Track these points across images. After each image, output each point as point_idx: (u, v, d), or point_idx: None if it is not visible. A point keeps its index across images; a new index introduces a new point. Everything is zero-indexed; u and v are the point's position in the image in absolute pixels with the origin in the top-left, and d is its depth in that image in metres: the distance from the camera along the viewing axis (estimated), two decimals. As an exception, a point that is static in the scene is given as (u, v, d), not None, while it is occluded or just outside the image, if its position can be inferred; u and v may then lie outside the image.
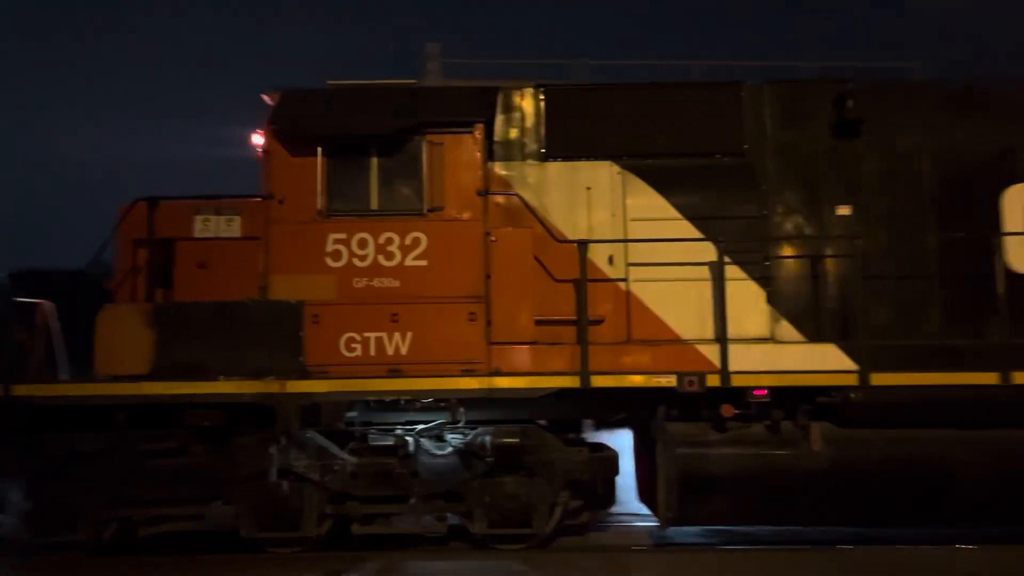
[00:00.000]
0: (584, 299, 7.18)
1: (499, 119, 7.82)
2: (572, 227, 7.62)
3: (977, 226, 7.01)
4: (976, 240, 6.92)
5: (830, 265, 7.38)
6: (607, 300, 7.47)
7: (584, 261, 7.18)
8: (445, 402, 7.22)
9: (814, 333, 7.32)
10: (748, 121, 7.65)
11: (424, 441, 7.42)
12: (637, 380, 7.06)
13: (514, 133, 7.87)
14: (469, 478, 7.34)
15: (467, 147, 7.46)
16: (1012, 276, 6.91)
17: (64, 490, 7.18)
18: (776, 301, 7.37)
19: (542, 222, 7.47)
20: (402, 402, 7.30)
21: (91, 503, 7.21)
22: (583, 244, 7.24)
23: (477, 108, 7.52)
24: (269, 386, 7.08)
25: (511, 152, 7.85)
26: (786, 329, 7.37)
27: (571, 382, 7.05)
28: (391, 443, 7.37)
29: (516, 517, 7.33)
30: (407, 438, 7.39)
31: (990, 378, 6.64)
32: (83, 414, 7.14)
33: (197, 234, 7.50)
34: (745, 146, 7.62)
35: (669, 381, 6.98)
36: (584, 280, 7.16)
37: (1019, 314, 6.76)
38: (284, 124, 7.35)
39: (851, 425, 6.92)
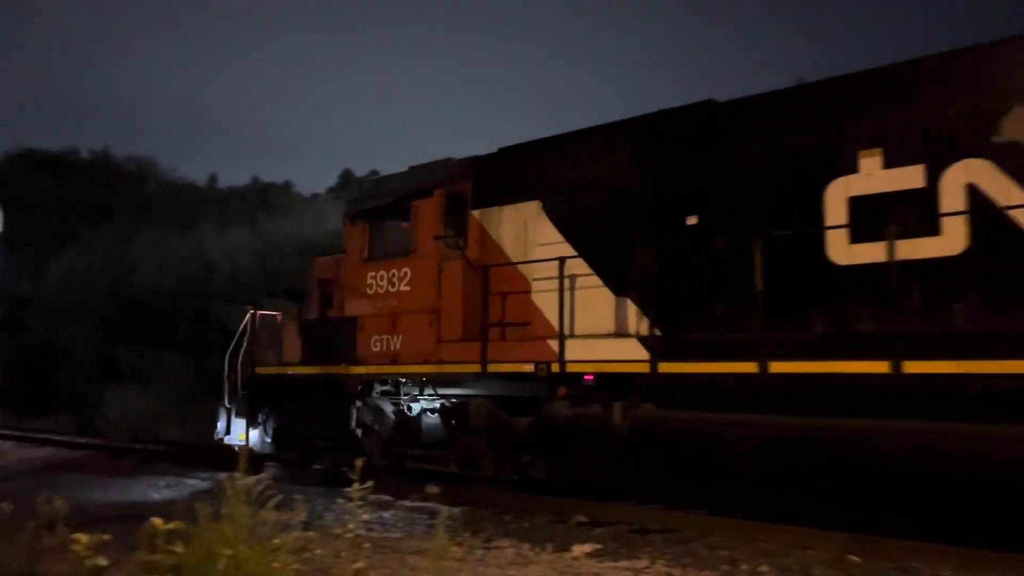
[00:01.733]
0: (486, 309, 9.70)
1: (468, 180, 10.41)
2: (519, 254, 9.71)
3: (806, 223, 7.40)
4: (797, 237, 7.40)
5: (667, 270, 8.32)
6: (524, 306, 9.52)
7: (487, 281, 9.75)
8: (425, 378, 10.29)
9: (634, 329, 8.56)
10: (624, 156, 8.95)
11: (425, 407, 10.51)
12: (509, 367, 9.31)
13: (481, 186, 10.29)
14: (446, 434, 10.19)
15: (430, 207, 10.59)
16: (832, 268, 7.24)
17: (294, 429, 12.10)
18: (623, 304, 8.69)
19: (462, 259, 10.24)
20: (401, 380, 10.65)
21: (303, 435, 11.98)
22: (485, 269, 9.80)
23: (433, 182, 10.68)
24: (341, 369, 11.13)
25: (483, 200, 10.20)
26: (632, 326, 8.61)
27: (476, 368, 9.54)
28: (407, 407, 10.67)
29: (473, 462, 9.88)
30: (412, 405, 10.63)
31: (750, 367, 7.32)
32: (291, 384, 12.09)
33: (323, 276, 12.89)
34: (621, 176, 8.89)
35: (529, 368, 9.11)
36: (486, 295, 9.73)
37: (837, 306, 7.22)
38: (346, 207, 12.47)
39: (652, 403, 8.35)
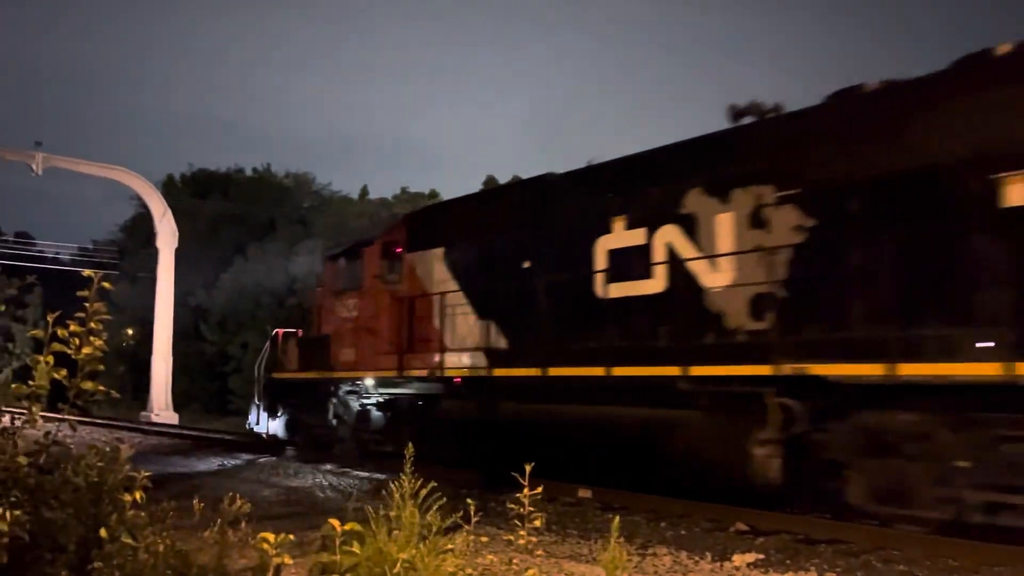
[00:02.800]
0: (408, 329, 12.72)
1: (403, 231, 13.45)
2: (431, 288, 12.43)
3: (584, 268, 10.05)
4: (574, 278, 10.20)
5: (506, 301, 11.18)
6: (430, 328, 12.34)
7: (411, 308, 12.73)
8: (373, 380, 13.51)
9: (484, 344, 11.34)
10: (488, 216, 12.10)
11: (374, 402, 13.64)
12: (414, 373, 12.46)
13: (412, 235, 13.15)
14: (385, 422, 13.37)
15: (373, 252, 13.67)
16: (603, 300, 9.86)
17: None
18: (483, 326, 11.43)
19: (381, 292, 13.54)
20: (358, 382, 13.80)
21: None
22: (408, 299, 12.78)
23: (376, 234, 14.22)
24: (320, 374, 14.49)
25: (413, 246, 12.99)
26: (493, 341, 11.30)
27: (394, 373, 12.76)
28: (360, 403, 13.93)
29: (403, 443, 12.53)
30: (365, 401, 13.81)
31: (536, 372, 10.37)
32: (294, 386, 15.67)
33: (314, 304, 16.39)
34: (485, 231, 11.82)
35: (424, 373, 12.26)
36: (410, 319, 12.74)
37: (600, 328, 9.82)
38: (323, 252, 16.72)
39: (484, 396, 11.26)
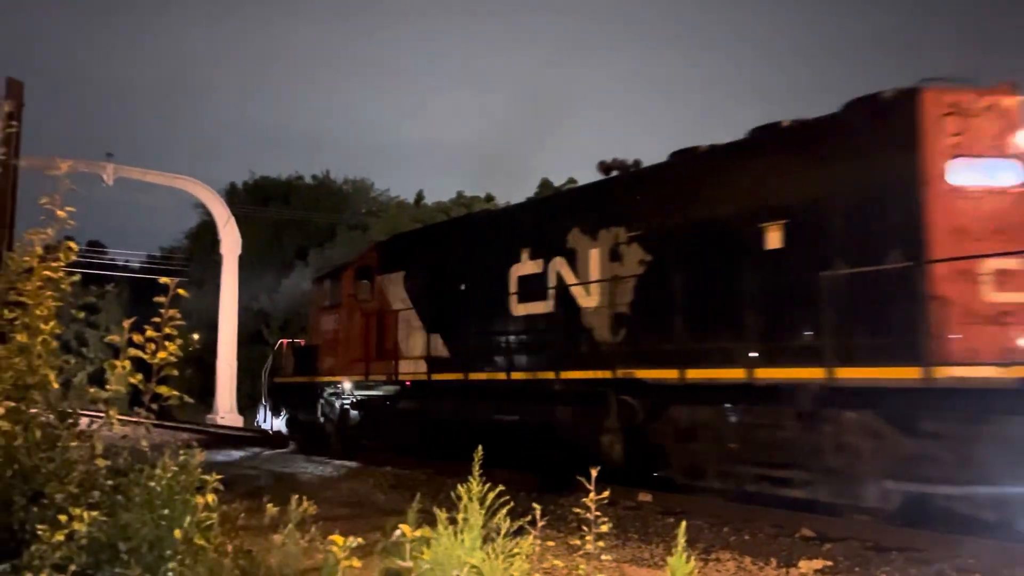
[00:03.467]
0: (377, 340, 14.92)
1: (375, 255, 16.02)
2: (395, 305, 14.69)
3: (501, 291, 12.24)
4: (494, 298, 12.36)
5: (445, 317, 13.46)
6: (391, 339, 14.54)
7: (380, 322, 15.02)
8: (349, 383, 15.95)
9: (426, 353, 13.71)
10: (434, 246, 14.78)
11: (353, 401, 16.02)
12: (377, 378, 14.89)
13: (382, 259, 15.57)
14: (360, 419, 15.81)
15: (349, 275, 16.22)
16: (514, 317, 12.10)
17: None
18: (428, 338, 13.60)
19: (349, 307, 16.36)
20: (338, 384, 16.19)
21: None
22: (376, 315, 15.10)
23: (351, 259, 17.11)
24: (312, 379, 16.88)
25: (383, 269, 15.26)
26: (434, 351, 13.49)
27: (362, 378, 15.19)
28: (341, 403, 16.33)
29: (374, 436, 15.61)
30: (345, 401, 16.21)
31: (459, 376, 12.69)
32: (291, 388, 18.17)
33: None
34: (431, 259, 14.28)
35: (383, 378, 14.71)
36: (379, 331, 14.97)
37: (508, 338, 12.21)
38: (312, 274, 22.36)
39: (427, 397, 13.78)
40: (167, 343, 3.56)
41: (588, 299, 10.87)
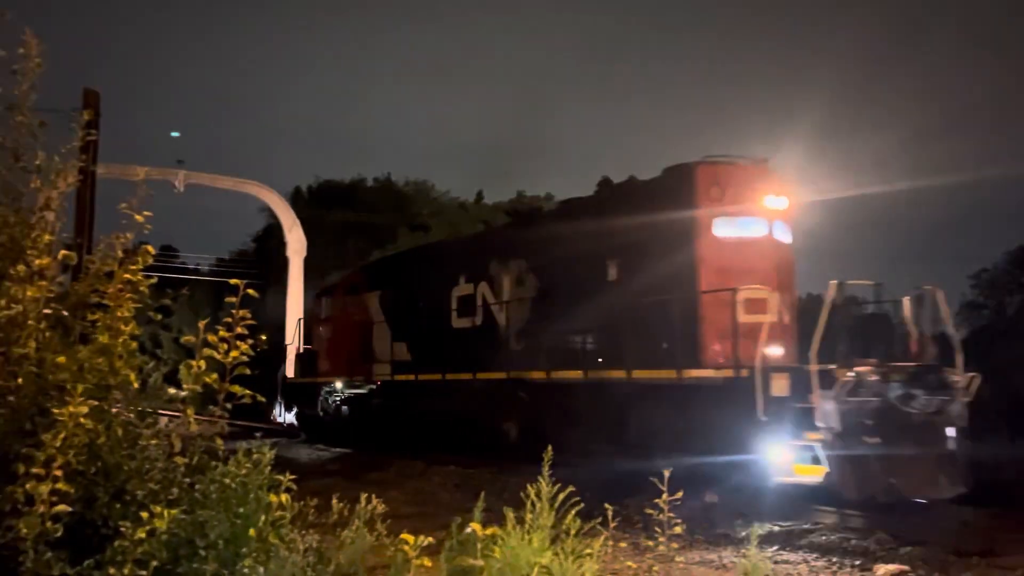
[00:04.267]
0: (356, 346, 17.79)
1: (361, 276, 19.39)
2: (375, 318, 17.71)
3: (445, 309, 15.29)
4: (440, 314, 15.38)
5: (406, 330, 16.65)
6: (369, 346, 17.52)
7: (365, 332, 17.80)
8: (339, 383, 18.99)
9: (396, 359, 16.82)
10: (401, 273, 17.68)
11: (341, 399, 18.89)
12: (359, 379, 17.84)
13: (368, 278, 18.74)
14: (349, 413, 18.51)
15: (339, 291, 19.44)
16: (453, 330, 15.07)
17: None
18: (395, 346, 16.74)
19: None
20: (332, 385, 19.10)
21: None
22: (361, 325, 18.04)
23: (341, 278, 20.88)
24: (313, 380, 19.76)
25: (368, 287, 18.33)
26: (397, 356, 16.68)
27: (349, 379, 18.33)
28: (334, 400, 19.17)
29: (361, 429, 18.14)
30: (338, 397, 18.84)
31: (411, 377, 16.05)
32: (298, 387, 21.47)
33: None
34: (396, 282, 17.42)
35: (361, 379, 17.73)
36: (364, 339, 17.68)
37: (448, 347, 14.98)
38: (314, 293, 23.10)
39: (391, 394, 16.89)
40: (239, 343, 3.64)
41: (501, 316, 14.06)
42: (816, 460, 8.77)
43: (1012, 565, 6.41)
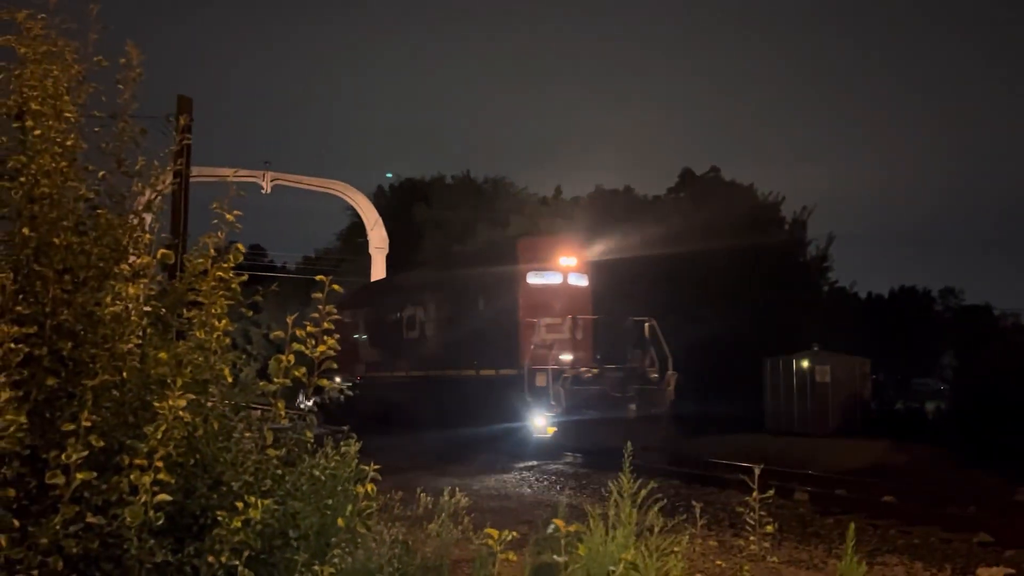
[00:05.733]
0: (350, 351, 21.94)
1: (353, 297, 24.25)
2: (360, 331, 23.29)
3: (400, 323, 21.10)
4: (396, 328, 21.37)
5: (377, 339, 22.53)
6: (357, 353, 22.79)
7: (351, 340, 22.50)
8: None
9: (368, 361, 23.20)
10: (372, 297, 24.21)
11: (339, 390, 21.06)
12: (348, 375, 22.69)
13: (358, 301, 24.00)
14: (342, 401, 20.46)
15: (343, 308, 22.50)
16: (404, 339, 20.85)
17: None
18: (371, 351, 22.57)
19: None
20: (333, 380, 21.04)
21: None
22: (356, 334, 23.22)
23: (342, 300, 22.21)
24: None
25: (356, 305, 23.34)
26: (369, 359, 22.76)
27: (346, 375, 22.83)
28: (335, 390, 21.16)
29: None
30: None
31: (381, 373, 22.30)
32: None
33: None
34: (370, 303, 23.45)
35: (351, 376, 22.70)
36: (353, 347, 22.52)
37: (402, 352, 20.97)
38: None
39: (366, 386, 22.23)
40: (326, 337, 3.73)
41: (427, 330, 19.70)
42: (555, 424, 14.69)
43: None
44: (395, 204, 39.83)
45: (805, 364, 22.45)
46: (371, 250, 31.05)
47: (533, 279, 16.49)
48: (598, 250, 18.67)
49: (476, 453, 15.26)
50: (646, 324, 15.80)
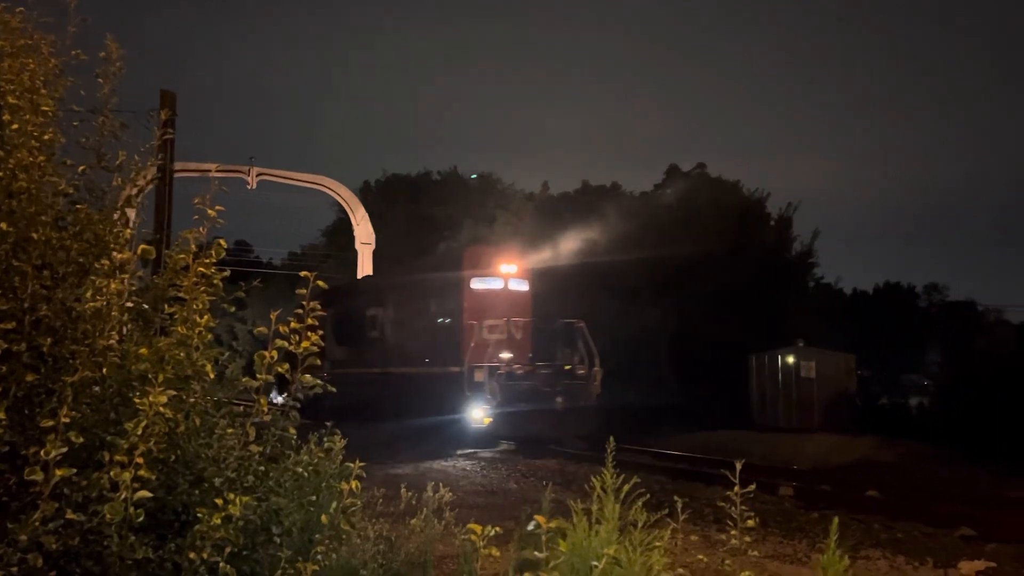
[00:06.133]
0: (322, 349, 19.52)
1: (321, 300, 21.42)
2: (328, 330, 21.09)
3: (366, 323, 22.26)
4: (363, 327, 22.30)
5: (347, 339, 22.87)
6: (329, 349, 21.97)
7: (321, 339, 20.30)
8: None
9: (337, 358, 23.44)
10: (343, 299, 23.39)
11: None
12: (322, 372, 20.27)
13: (328, 300, 26.81)
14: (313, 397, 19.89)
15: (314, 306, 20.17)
16: (368, 338, 21.99)
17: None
18: (339, 349, 23.09)
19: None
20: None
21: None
22: (326, 333, 20.23)
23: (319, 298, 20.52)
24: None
25: (328, 305, 19.58)
26: (338, 356, 23.18)
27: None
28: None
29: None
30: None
31: (358, 371, 21.95)
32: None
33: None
34: (342, 305, 23.00)
35: (323, 372, 20.15)
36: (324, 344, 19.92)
37: (375, 351, 21.42)
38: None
39: (340, 382, 16.71)
40: (309, 333, 3.71)
41: (387, 331, 21.03)
42: (490, 415, 16.12)
43: None
44: (382, 200, 39.74)
45: (791, 360, 22.58)
46: (357, 246, 30.95)
47: (476, 284, 18.21)
48: (545, 256, 21.29)
49: (424, 442, 16.56)
50: (576, 325, 17.48)
